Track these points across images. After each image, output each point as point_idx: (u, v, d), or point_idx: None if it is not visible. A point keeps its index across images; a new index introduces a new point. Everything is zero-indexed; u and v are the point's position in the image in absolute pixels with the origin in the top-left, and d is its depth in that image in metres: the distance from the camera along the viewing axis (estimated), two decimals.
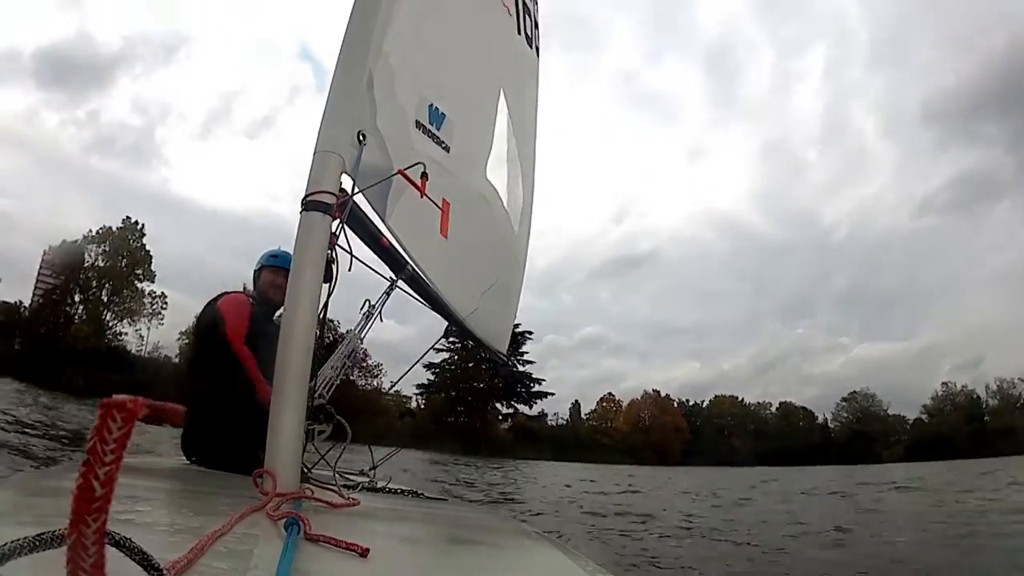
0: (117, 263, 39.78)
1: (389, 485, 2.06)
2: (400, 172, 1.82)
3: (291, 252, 2.53)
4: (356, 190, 1.75)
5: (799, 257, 77.45)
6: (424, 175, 1.84)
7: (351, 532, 0.96)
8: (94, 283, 40.06)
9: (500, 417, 49.07)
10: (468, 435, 41.35)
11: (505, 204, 2.69)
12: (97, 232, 40.70)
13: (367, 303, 2.23)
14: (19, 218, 55.67)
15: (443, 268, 2.15)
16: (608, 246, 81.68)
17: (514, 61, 3.00)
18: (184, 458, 2.30)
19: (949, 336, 65.88)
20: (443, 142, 2.12)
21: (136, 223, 40.54)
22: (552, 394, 50.33)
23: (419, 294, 2.32)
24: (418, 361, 2.91)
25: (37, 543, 0.41)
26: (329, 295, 1.66)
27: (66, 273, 39.51)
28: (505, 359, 2.89)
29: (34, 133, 56.24)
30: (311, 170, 1.66)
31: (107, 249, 39.88)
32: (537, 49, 3.17)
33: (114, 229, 40.13)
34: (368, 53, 1.81)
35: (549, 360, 71.64)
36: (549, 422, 50.53)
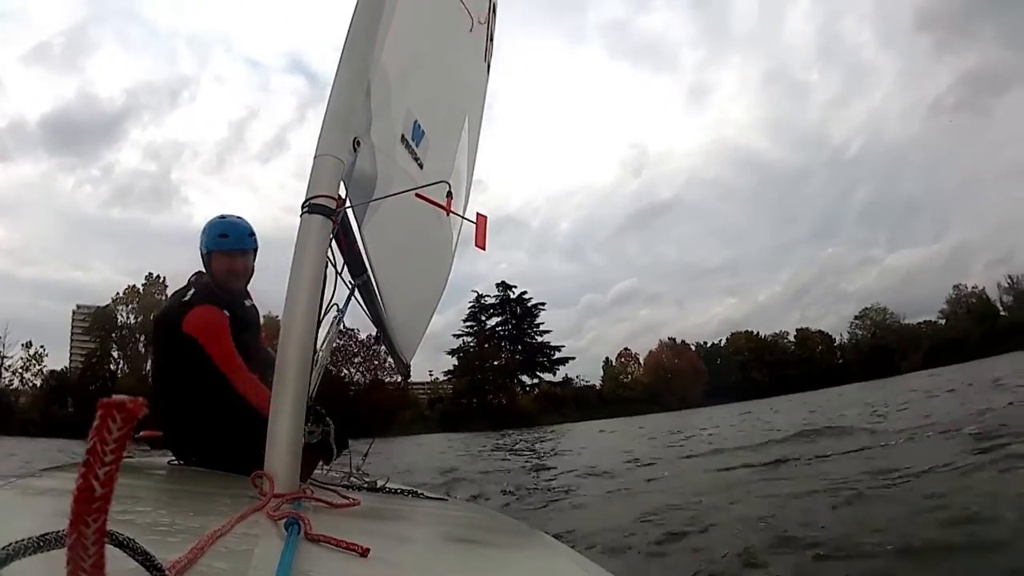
0: (147, 318, 43.53)
1: (389, 485, 2.06)
2: (419, 194, 1.86)
3: (237, 220, 2.35)
4: (373, 196, 1.77)
5: (817, 179, 78.77)
6: (449, 194, 1.86)
7: (351, 532, 0.96)
8: (129, 340, 44.65)
9: (527, 388, 50.26)
10: (495, 411, 42.89)
11: (451, 227, 2.71)
12: (124, 293, 45.72)
13: (336, 307, 2.00)
14: (47, 282, 58.01)
15: (391, 279, 2.16)
16: (629, 199, 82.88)
17: (478, 88, 3.13)
18: (176, 459, 2.27)
19: (980, 232, 66.05)
20: (419, 159, 2.16)
21: (158, 277, 45.17)
22: (572, 359, 52.21)
23: (365, 301, 2.29)
24: (371, 352, 2.91)
25: (39, 544, 0.41)
26: (323, 296, 1.66)
27: (101, 335, 44.04)
28: (406, 369, 2.89)
29: (52, 198, 59.10)
30: (311, 173, 1.67)
31: (136, 306, 44.84)
32: (488, 67, 3.26)
33: (139, 287, 45.38)
34: (369, 62, 1.83)
35: (588, 320, 73.43)
36: (581, 385, 51.54)
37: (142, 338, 43.39)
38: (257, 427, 1.48)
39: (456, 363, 47.67)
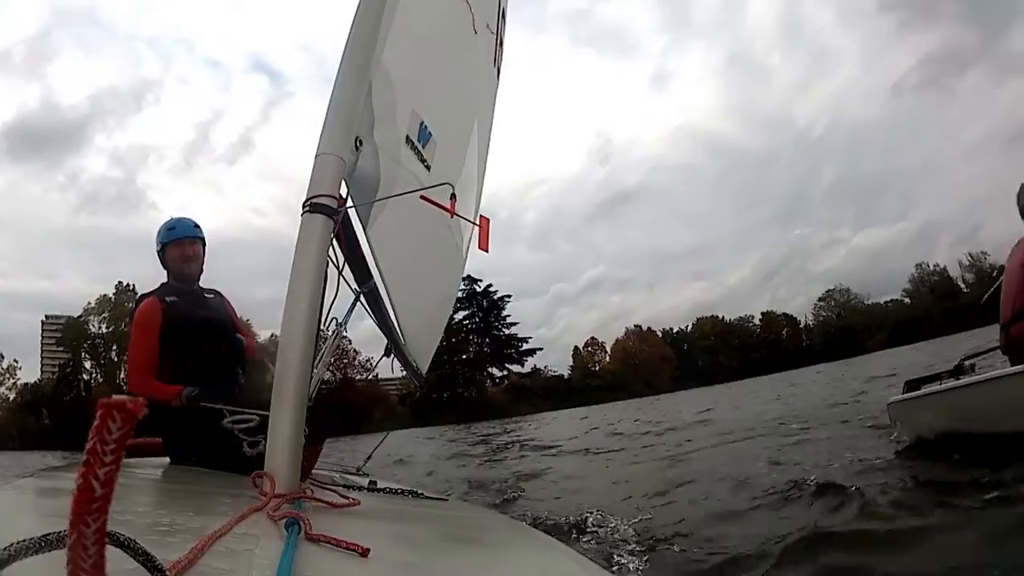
0: (119, 327, 44.17)
1: (389, 485, 2.06)
2: (423, 196, 1.85)
3: (186, 220, 2.55)
4: (377, 197, 1.77)
5: (783, 161, 78.68)
6: (453, 196, 1.86)
7: (351, 532, 0.96)
8: (102, 349, 45.18)
9: (497, 381, 51.22)
10: (465, 404, 43.63)
11: (462, 230, 2.71)
12: (96, 302, 46.05)
13: (335, 320, 2.10)
14: (15, 294, 57.87)
15: (401, 286, 2.15)
16: (596, 187, 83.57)
17: (488, 93, 3.12)
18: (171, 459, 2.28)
19: (945, 209, 67.10)
20: (426, 160, 2.14)
21: (129, 286, 45.16)
22: (540, 349, 53.33)
23: (372, 309, 2.29)
24: (378, 362, 2.86)
25: (40, 545, 0.41)
26: (323, 297, 1.66)
27: (73, 345, 44.49)
28: (422, 382, 2.88)
29: (18, 207, 59.29)
30: (312, 172, 1.66)
31: (107, 316, 45.16)
32: (498, 71, 3.26)
33: (111, 296, 45.58)
34: (370, 61, 1.82)
35: (559, 309, 74.20)
36: (548, 375, 52.84)
37: (114, 347, 44.21)
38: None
39: None
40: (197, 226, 2.58)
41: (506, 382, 51.02)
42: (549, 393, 47.30)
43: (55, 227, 63.32)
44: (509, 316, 52.95)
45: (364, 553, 0.81)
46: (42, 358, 46.15)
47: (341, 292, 1.86)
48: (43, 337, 46.97)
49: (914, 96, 69.84)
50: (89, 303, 46.29)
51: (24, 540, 0.41)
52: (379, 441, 3.00)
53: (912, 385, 3.94)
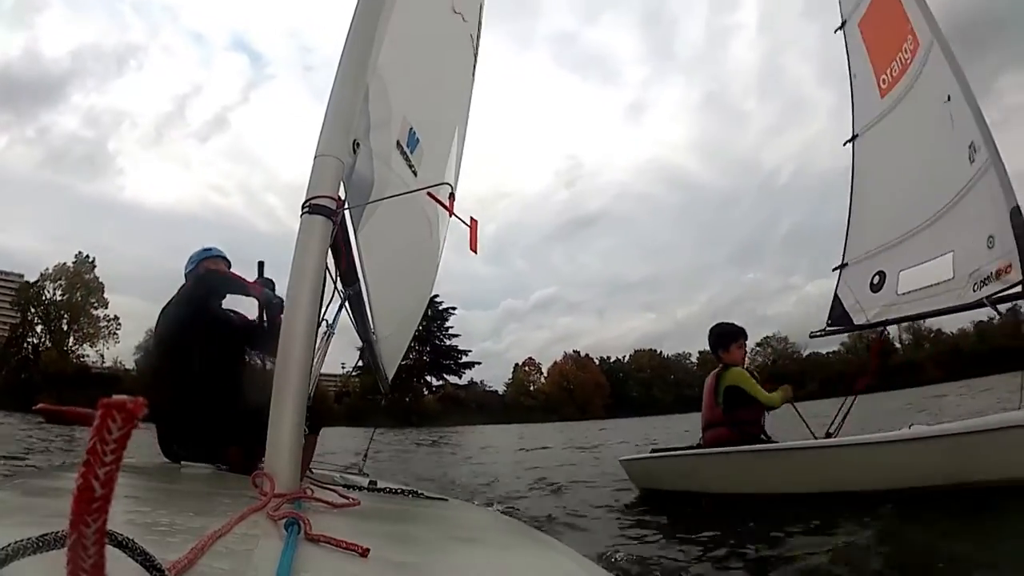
0: (74, 296, 45.92)
1: (389, 485, 2.06)
2: (430, 194, 1.86)
3: (214, 247, 2.65)
4: (372, 198, 1.77)
5: (745, 203, 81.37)
6: (452, 195, 1.87)
7: (351, 532, 0.96)
8: (54, 316, 46.05)
9: (433, 390, 52.37)
10: (400, 409, 43.75)
11: (439, 237, 2.73)
12: (54, 268, 46.61)
13: (324, 322, 2.05)
14: None
15: (382, 290, 2.17)
16: (559, 208, 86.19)
17: (466, 100, 3.20)
18: (168, 459, 2.27)
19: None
20: (413, 166, 2.18)
21: (88, 257, 46.69)
22: (479, 363, 54.93)
23: (353, 312, 2.31)
24: (355, 365, 2.86)
25: (39, 544, 0.41)
26: (322, 298, 1.66)
27: (24, 306, 45.38)
28: (388, 387, 2.89)
29: None
30: (312, 173, 1.66)
31: (63, 284, 45.90)
32: (472, 78, 3.33)
33: (69, 265, 46.20)
34: (367, 64, 1.83)
35: (508, 324, 75.06)
36: (484, 389, 55.09)
37: (66, 315, 45.61)
38: (247, 422, 1.48)
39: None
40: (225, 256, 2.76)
41: (442, 391, 52.14)
42: (482, 407, 48.60)
43: (13, 179, 62.16)
44: (452, 327, 54.39)
45: (364, 553, 0.81)
46: None
47: (328, 296, 1.86)
48: None
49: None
50: (47, 268, 46.74)
51: (23, 540, 0.42)
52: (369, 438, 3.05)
53: (657, 451, 5.20)
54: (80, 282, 46.04)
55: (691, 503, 4.27)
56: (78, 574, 0.33)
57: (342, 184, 1.70)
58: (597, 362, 56.75)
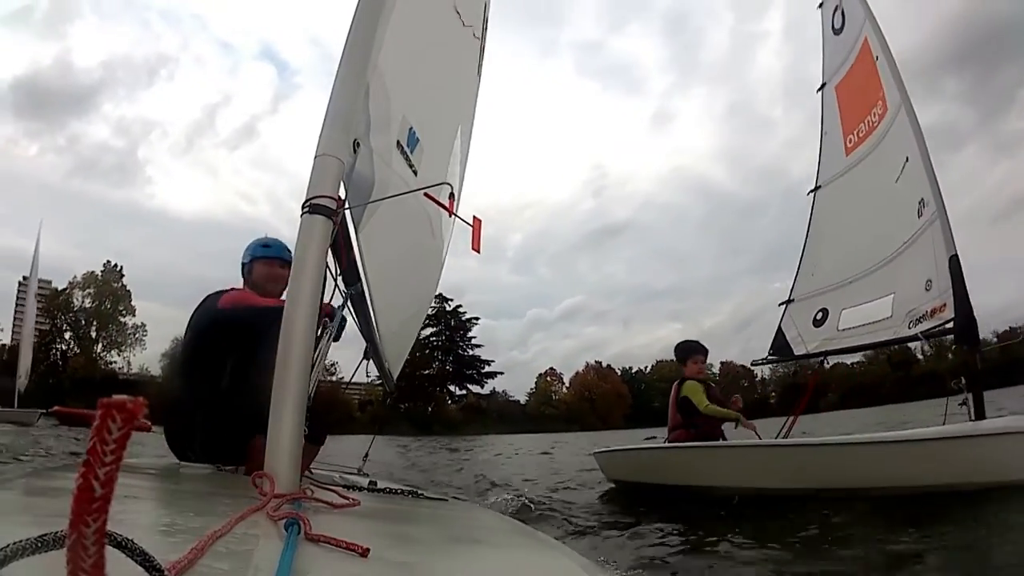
0: (102, 304, 47.69)
1: (389, 485, 2.06)
2: (427, 194, 1.85)
3: (281, 242, 2.53)
4: (373, 198, 1.77)
5: (771, 212, 79.87)
6: (452, 195, 1.87)
7: (351, 532, 0.95)
8: (83, 323, 47.70)
9: (456, 399, 53.15)
10: (422, 417, 45.55)
11: (444, 235, 2.72)
12: (83, 277, 48.31)
13: (325, 322, 2.02)
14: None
15: (384, 290, 2.15)
16: (585, 217, 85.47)
17: (471, 98, 3.18)
18: (175, 457, 2.27)
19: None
20: (414, 165, 2.18)
21: (116, 266, 48.67)
22: (501, 373, 55.65)
23: (356, 312, 2.29)
24: (354, 372, 2.83)
25: (39, 544, 0.41)
26: (322, 298, 1.66)
27: (55, 314, 46.64)
28: (393, 387, 2.87)
29: (9, 163, 59.80)
30: (312, 173, 1.66)
31: (92, 292, 47.82)
32: (479, 79, 3.32)
33: (98, 274, 48.23)
34: (368, 63, 1.83)
35: (534, 334, 74.97)
36: (506, 399, 55.71)
37: (94, 323, 47.42)
38: (253, 421, 1.48)
39: None
40: (288, 251, 2.52)
41: (464, 401, 52.75)
42: (502, 417, 49.08)
43: (44, 187, 63.52)
44: (475, 338, 54.95)
45: (364, 553, 0.81)
46: (14, 320, 46.69)
47: (328, 295, 1.86)
48: (17, 299, 47.68)
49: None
50: (75, 276, 48.30)
51: (23, 540, 0.41)
52: (370, 442, 3.06)
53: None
54: (109, 290, 47.60)
55: (685, 499, 4.52)
56: (78, 574, 0.33)
57: (342, 184, 1.70)
58: (619, 372, 57.02)
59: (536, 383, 57.25)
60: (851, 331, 5.66)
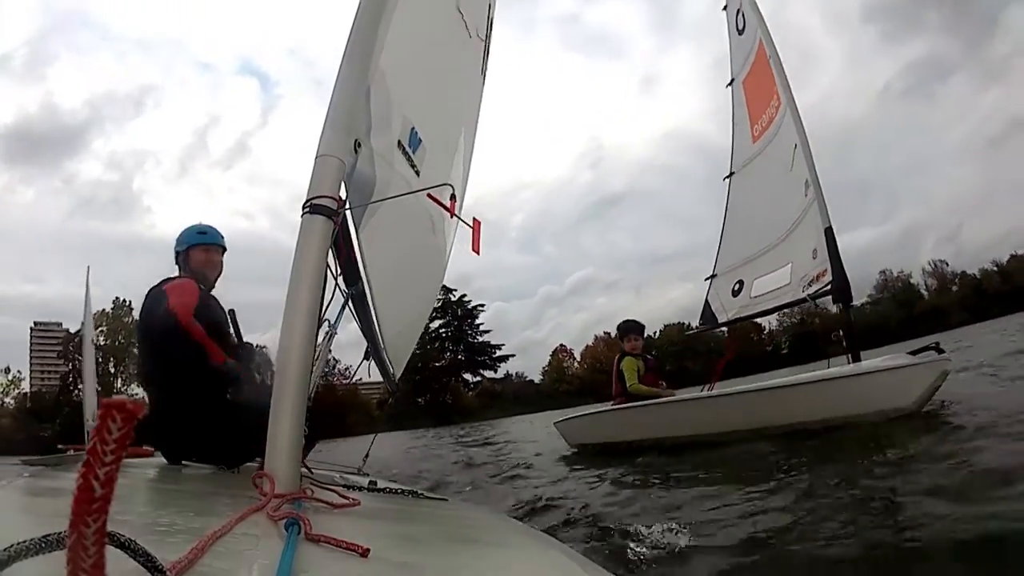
0: (116, 340, 47.98)
1: (389, 485, 2.06)
2: (429, 195, 1.84)
3: (216, 229, 2.58)
4: (374, 199, 1.76)
5: None
6: (453, 196, 1.87)
7: (351, 532, 0.96)
8: (100, 361, 46.89)
9: (471, 387, 53.35)
10: (440, 408, 45.97)
11: (447, 235, 2.72)
12: (94, 316, 46.42)
13: (327, 322, 2.05)
14: (5, 297, 59.67)
15: (385, 290, 2.14)
16: (584, 190, 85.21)
17: (474, 98, 3.17)
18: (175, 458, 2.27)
19: (928, 212, 69.99)
20: (416, 166, 2.17)
21: (125, 302, 48.71)
22: (513, 356, 55.46)
23: (357, 312, 2.29)
24: (355, 372, 2.82)
25: (40, 546, 0.41)
26: (322, 298, 1.66)
27: (73, 357, 46.49)
28: (395, 387, 2.87)
29: (8, 212, 61.12)
30: (313, 173, 1.66)
31: (105, 329, 47.73)
32: (483, 79, 3.32)
33: (108, 311, 48.22)
34: (369, 63, 1.82)
35: (547, 311, 74.99)
36: (521, 380, 56.17)
37: (111, 359, 47.76)
38: (254, 424, 1.48)
39: None
40: (223, 237, 2.63)
41: (479, 387, 53.05)
42: (518, 398, 49.05)
43: (45, 231, 65.22)
44: (482, 324, 54.87)
45: (364, 553, 0.81)
46: (31, 365, 48.26)
47: (330, 295, 1.85)
48: (32, 344, 49.10)
49: (898, 102, 73.22)
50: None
51: (24, 541, 0.41)
52: (370, 442, 3.05)
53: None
54: (120, 326, 48.13)
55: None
56: (78, 574, 0.33)
57: (343, 184, 1.70)
58: None
59: (549, 361, 57.43)
60: (761, 297, 6.58)
